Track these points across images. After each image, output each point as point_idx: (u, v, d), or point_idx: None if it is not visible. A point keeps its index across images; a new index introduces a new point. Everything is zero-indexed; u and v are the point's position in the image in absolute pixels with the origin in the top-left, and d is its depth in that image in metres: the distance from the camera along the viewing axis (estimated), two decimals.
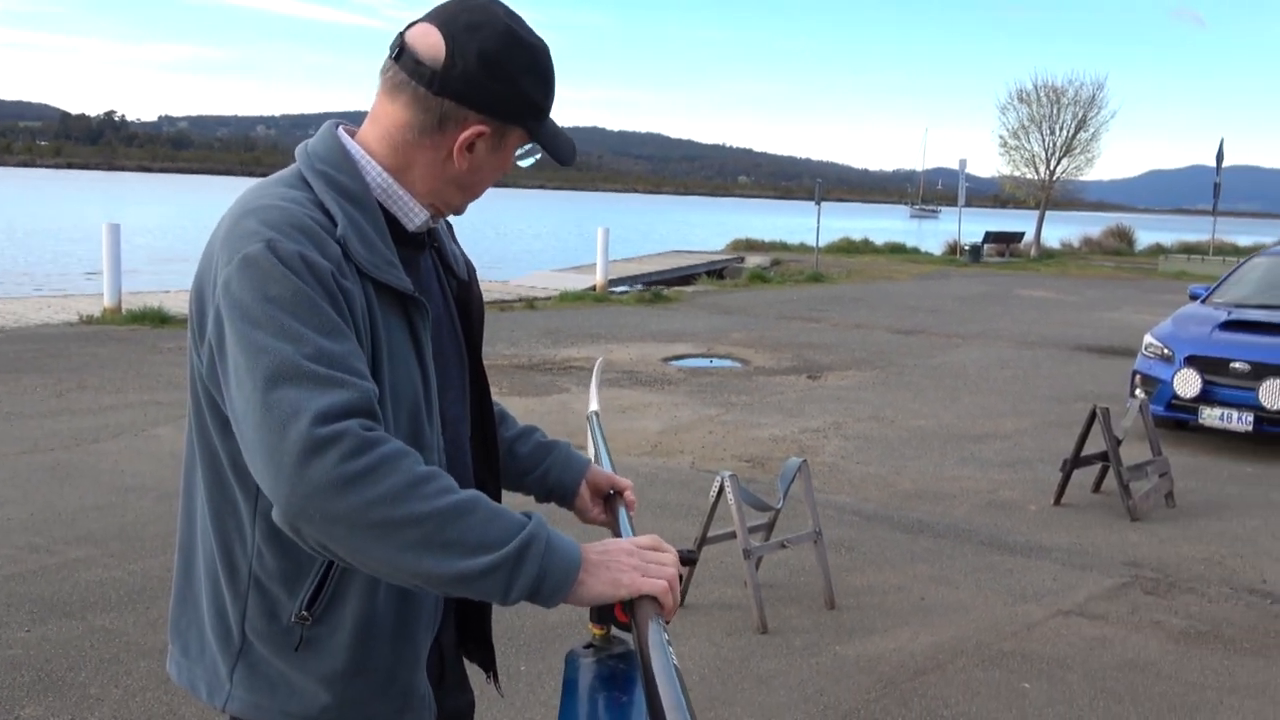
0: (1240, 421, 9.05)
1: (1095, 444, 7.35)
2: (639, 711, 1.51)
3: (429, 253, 1.78)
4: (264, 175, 1.70)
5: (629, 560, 1.49)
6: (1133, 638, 5.10)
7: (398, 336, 1.59)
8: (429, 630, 1.68)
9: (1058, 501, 7.39)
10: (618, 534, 1.83)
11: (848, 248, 39.24)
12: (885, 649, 4.82)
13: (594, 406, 2.43)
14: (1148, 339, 10.08)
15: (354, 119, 1.74)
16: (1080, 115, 39.88)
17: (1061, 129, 40.18)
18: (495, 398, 1.96)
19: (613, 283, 22.01)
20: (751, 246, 37.70)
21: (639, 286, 22.92)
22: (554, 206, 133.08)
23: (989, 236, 38.69)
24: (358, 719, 1.64)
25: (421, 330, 1.63)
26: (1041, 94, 40.07)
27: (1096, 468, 7.65)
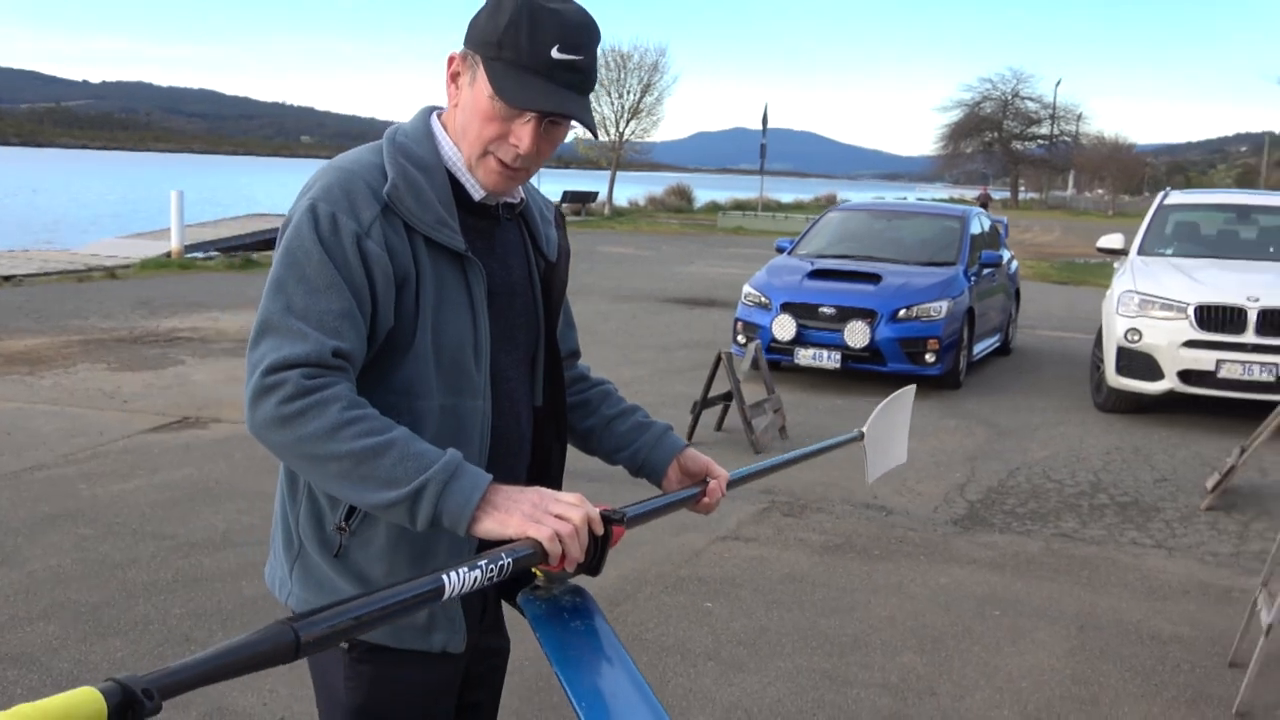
0: (830, 360, 10.15)
1: (710, 387, 8.05)
2: (603, 634, 1.70)
3: (516, 227, 1.96)
4: None
5: (525, 507, 1.64)
6: (784, 554, 5.70)
7: (451, 289, 1.81)
8: (455, 557, 1.80)
9: (689, 439, 8.01)
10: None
11: None
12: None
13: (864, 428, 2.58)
14: (746, 289, 10.99)
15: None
16: (645, 80, 42.09)
17: (629, 93, 42.24)
18: (598, 374, 2.22)
19: (190, 248, 20.89)
20: None
21: (215, 253, 21.77)
22: (99, 168, 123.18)
23: (567, 196, 40.06)
24: (385, 629, 1.81)
25: (475, 286, 1.83)
26: (610, 59, 41.87)
27: (719, 407, 8.35)
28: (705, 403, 8.03)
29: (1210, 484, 7.01)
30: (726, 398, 8.17)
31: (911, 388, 2.83)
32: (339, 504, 1.81)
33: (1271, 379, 8.79)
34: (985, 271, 11.61)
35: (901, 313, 10.12)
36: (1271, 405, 7.52)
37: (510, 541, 1.61)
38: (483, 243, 1.87)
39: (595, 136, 1.85)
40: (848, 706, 4.11)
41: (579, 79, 1.75)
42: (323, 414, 1.63)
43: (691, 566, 5.48)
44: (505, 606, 2.02)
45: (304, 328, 1.67)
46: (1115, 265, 11.42)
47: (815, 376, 10.56)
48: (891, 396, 2.69)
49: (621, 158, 43.61)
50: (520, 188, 1.95)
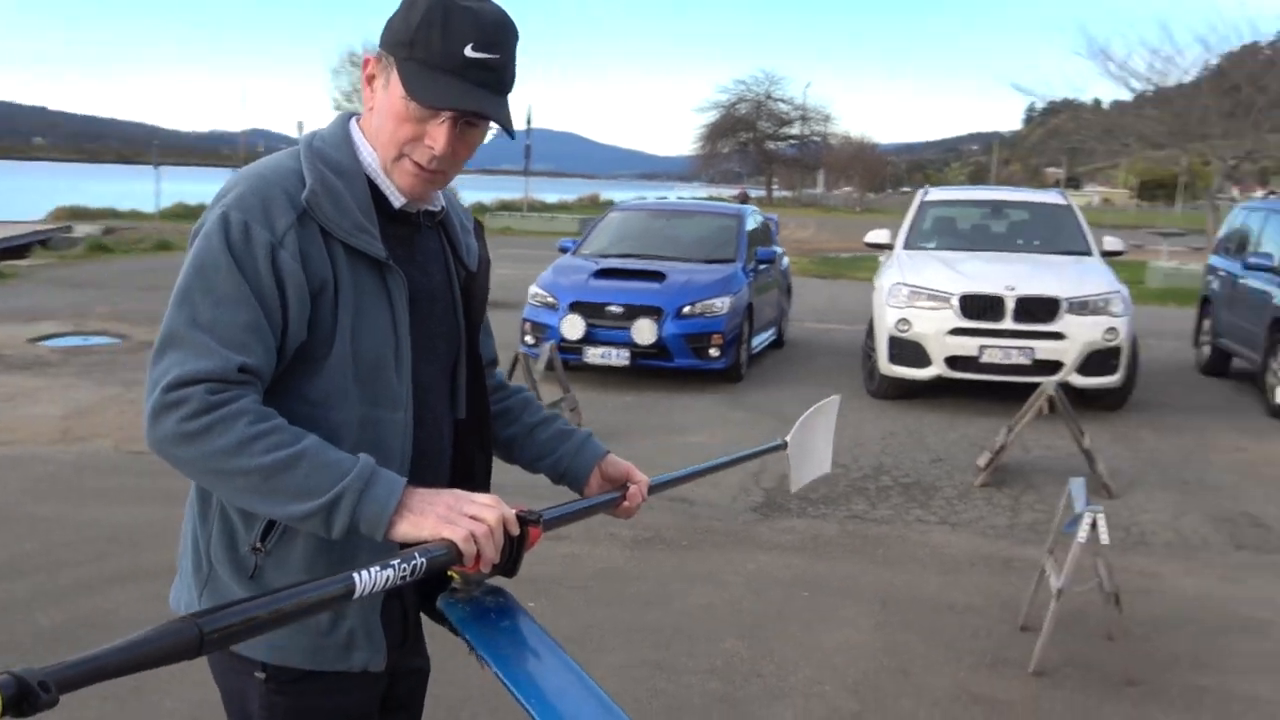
0: (619, 358, 10.30)
1: None
2: (533, 631, 1.72)
3: (436, 236, 1.95)
4: None
5: (440, 509, 1.64)
6: (597, 550, 5.78)
7: (370, 297, 1.78)
8: None
9: None
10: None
11: (187, 213, 37.59)
12: None
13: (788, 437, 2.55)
14: (533, 289, 11.02)
15: None
16: None
17: None
18: (522, 382, 2.10)
19: None
20: (78, 215, 34.75)
21: None
22: None
23: None
24: (307, 648, 1.80)
25: (396, 294, 1.80)
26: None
27: None
28: None
29: (982, 462, 7.50)
30: None
31: (835, 399, 2.84)
32: (255, 523, 1.76)
33: (1028, 362, 9.45)
34: (761, 267, 12.02)
35: (686, 309, 10.36)
36: (1027, 386, 8.10)
37: (424, 543, 1.62)
38: (403, 250, 1.84)
39: (512, 136, 1.82)
40: (680, 694, 4.22)
41: (494, 78, 1.73)
42: (229, 430, 1.60)
43: None
44: (427, 627, 1.99)
45: (210, 342, 1.63)
46: (881, 259, 12.01)
47: (606, 374, 10.69)
48: (815, 407, 2.72)
49: None
50: (441, 196, 1.93)
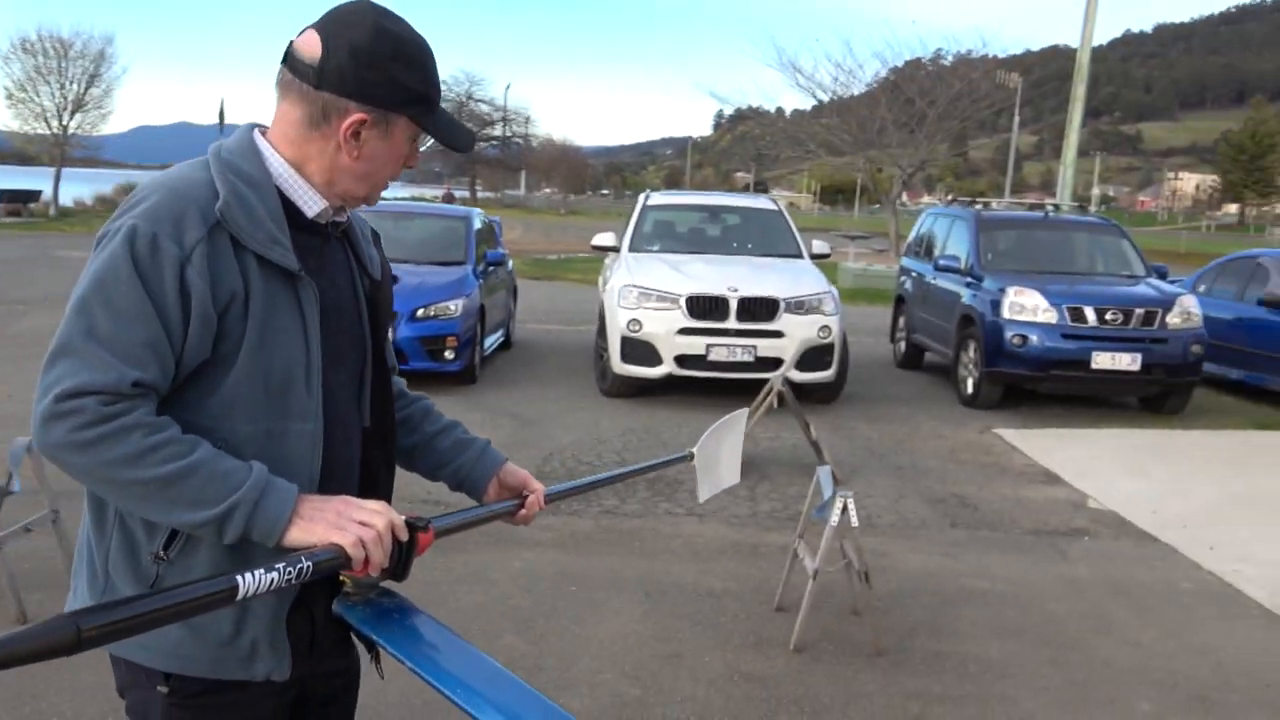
0: None
1: None
2: (432, 625, 1.79)
3: (341, 246, 1.95)
4: None
5: (330, 515, 1.70)
6: None
7: (281, 309, 1.78)
8: (283, 594, 1.76)
9: None
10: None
11: None
12: None
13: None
14: None
15: None
16: (91, 70, 38.88)
17: (73, 83, 38.82)
18: (420, 392, 2.18)
19: None
20: None
21: None
22: None
23: (4, 195, 36.20)
24: (209, 658, 1.79)
25: (307, 306, 1.81)
26: (48, 45, 38.26)
27: None
28: None
29: None
30: None
31: (743, 412, 2.92)
32: (157, 532, 1.75)
33: (751, 359, 9.99)
34: (490, 269, 12.11)
35: (420, 312, 10.33)
36: (752, 383, 8.58)
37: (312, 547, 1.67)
38: (313, 261, 1.85)
39: (460, 150, 1.95)
40: None
41: None
42: (123, 441, 1.61)
43: None
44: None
45: (106, 356, 1.63)
46: (606, 261, 12.34)
47: None
48: (722, 420, 2.78)
49: (66, 153, 39.90)
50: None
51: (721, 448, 2.79)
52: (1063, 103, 25.93)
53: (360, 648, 2.00)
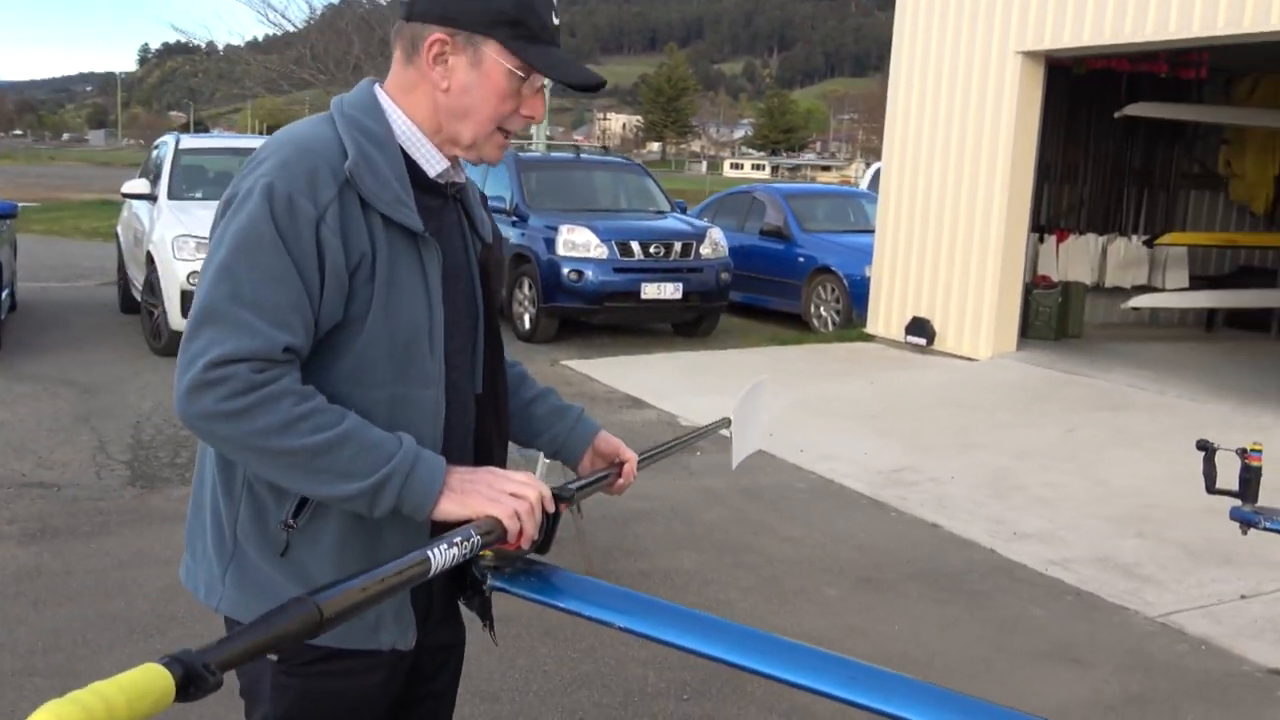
0: None
1: None
2: (583, 578, 1.75)
3: (455, 208, 1.88)
4: None
5: (482, 488, 1.69)
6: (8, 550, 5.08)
7: (406, 271, 1.72)
8: (405, 548, 1.63)
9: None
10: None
11: None
12: None
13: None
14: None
15: None
16: None
17: None
18: (514, 358, 2.03)
19: None
20: None
21: None
22: None
23: None
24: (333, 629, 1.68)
25: (430, 269, 1.75)
26: None
27: None
28: None
29: None
30: None
31: (766, 378, 2.86)
32: (286, 499, 1.71)
33: None
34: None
35: None
36: None
37: (468, 522, 1.63)
38: (435, 223, 1.78)
39: (594, 92, 1.85)
40: None
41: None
42: (273, 409, 1.58)
43: None
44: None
45: (254, 320, 1.59)
46: (128, 213, 11.43)
47: None
48: (753, 384, 2.73)
49: None
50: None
51: (752, 413, 2.81)
52: None
53: (472, 618, 1.93)
